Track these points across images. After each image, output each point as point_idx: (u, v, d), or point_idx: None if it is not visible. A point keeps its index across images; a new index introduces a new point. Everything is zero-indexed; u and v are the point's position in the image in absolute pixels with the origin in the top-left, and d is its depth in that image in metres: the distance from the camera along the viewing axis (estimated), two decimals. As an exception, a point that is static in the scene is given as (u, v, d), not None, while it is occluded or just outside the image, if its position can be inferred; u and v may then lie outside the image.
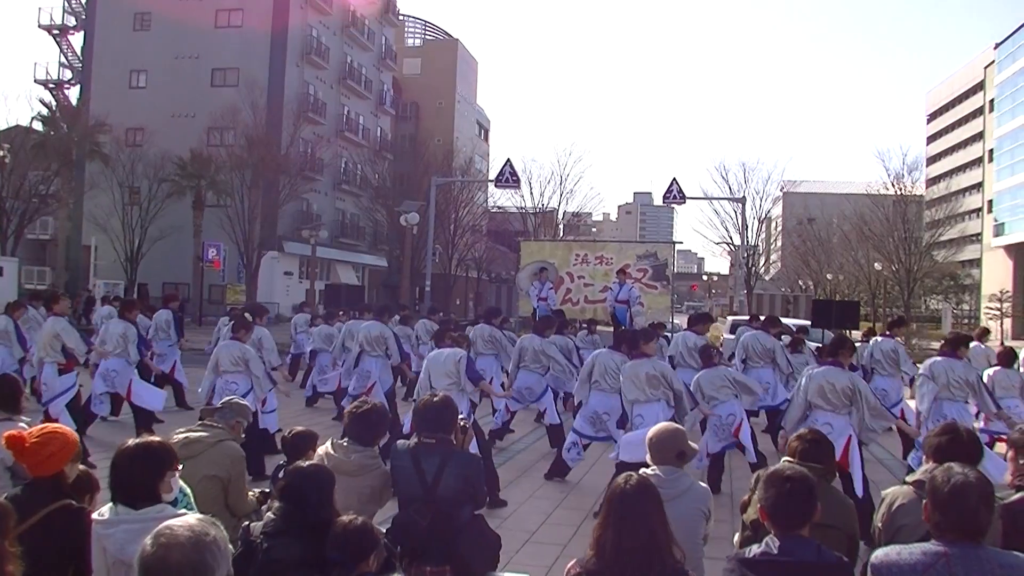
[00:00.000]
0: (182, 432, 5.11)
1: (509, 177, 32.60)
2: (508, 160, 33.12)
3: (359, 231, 57.11)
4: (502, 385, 12.59)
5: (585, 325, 18.45)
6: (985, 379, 10.60)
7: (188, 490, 4.03)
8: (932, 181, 78.53)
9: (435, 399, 5.12)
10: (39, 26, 53.86)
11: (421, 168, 52.89)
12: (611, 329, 17.58)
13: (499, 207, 62.38)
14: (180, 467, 3.65)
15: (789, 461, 4.16)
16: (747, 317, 19.58)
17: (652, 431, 4.67)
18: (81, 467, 3.87)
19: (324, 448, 4.98)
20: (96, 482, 3.92)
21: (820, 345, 13.76)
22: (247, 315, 11.25)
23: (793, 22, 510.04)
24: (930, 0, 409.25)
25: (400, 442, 5.11)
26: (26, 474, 3.79)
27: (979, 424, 9.96)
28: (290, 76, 48.64)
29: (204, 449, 5.05)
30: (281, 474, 5.00)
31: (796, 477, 3.38)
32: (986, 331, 15.62)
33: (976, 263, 73.69)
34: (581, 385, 10.15)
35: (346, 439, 4.99)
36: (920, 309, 66.73)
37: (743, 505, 4.39)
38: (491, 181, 39.23)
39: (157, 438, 3.71)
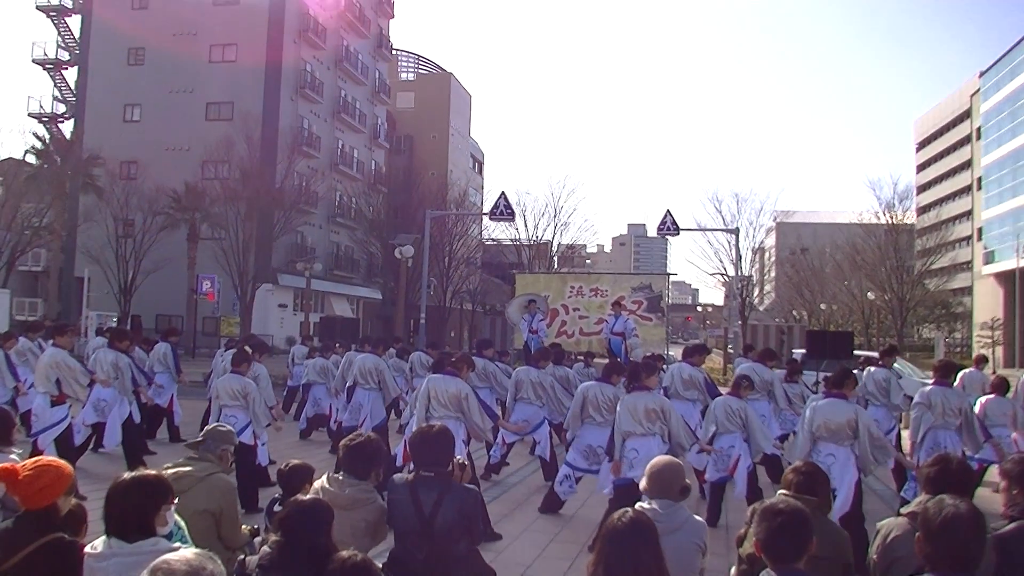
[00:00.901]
0: (170, 467, 5.06)
1: (503, 210, 32.67)
2: (502, 193, 33.27)
3: (353, 264, 57.12)
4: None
5: (582, 357, 18.42)
6: (978, 407, 10.64)
7: (183, 523, 4.01)
8: (923, 209, 78.81)
9: (433, 431, 5.10)
10: (33, 61, 54.26)
11: (415, 201, 53.04)
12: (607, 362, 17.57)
13: (493, 239, 62.45)
14: (176, 500, 3.65)
15: (784, 494, 4.16)
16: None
17: (653, 464, 4.63)
18: (73, 500, 3.85)
19: (320, 482, 4.95)
20: (86, 514, 3.90)
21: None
22: (247, 348, 11.18)
23: (783, 55, 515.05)
24: (916, 29, 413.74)
25: (398, 476, 5.09)
26: (17, 506, 3.77)
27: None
28: (284, 110, 48.90)
29: (194, 483, 5.01)
30: (277, 507, 4.98)
31: (789, 510, 3.38)
32: (983, 358, 15.66)
33: (967, 291, 73.84)
34: (573, 419, 10.08)
35: (341, 473, 4.97)
36: (913, 338, 66.85)
37: (739, 539, 4.38)
38: (485, 214, 39.27)
39: (153, 472, 3.70)
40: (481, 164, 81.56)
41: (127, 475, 3.57)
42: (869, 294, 55.39)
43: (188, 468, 5.11)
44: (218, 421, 9.72)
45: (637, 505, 4.19)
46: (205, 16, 48.91)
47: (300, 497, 4.20)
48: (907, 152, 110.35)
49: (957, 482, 4.03)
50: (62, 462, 3.81)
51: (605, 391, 9.93)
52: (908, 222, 59.93)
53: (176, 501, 3.65)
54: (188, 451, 5.45)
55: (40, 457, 3.94)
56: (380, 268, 56.68)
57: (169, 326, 20.90)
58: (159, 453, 12.59)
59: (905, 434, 12.80)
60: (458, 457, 5.17)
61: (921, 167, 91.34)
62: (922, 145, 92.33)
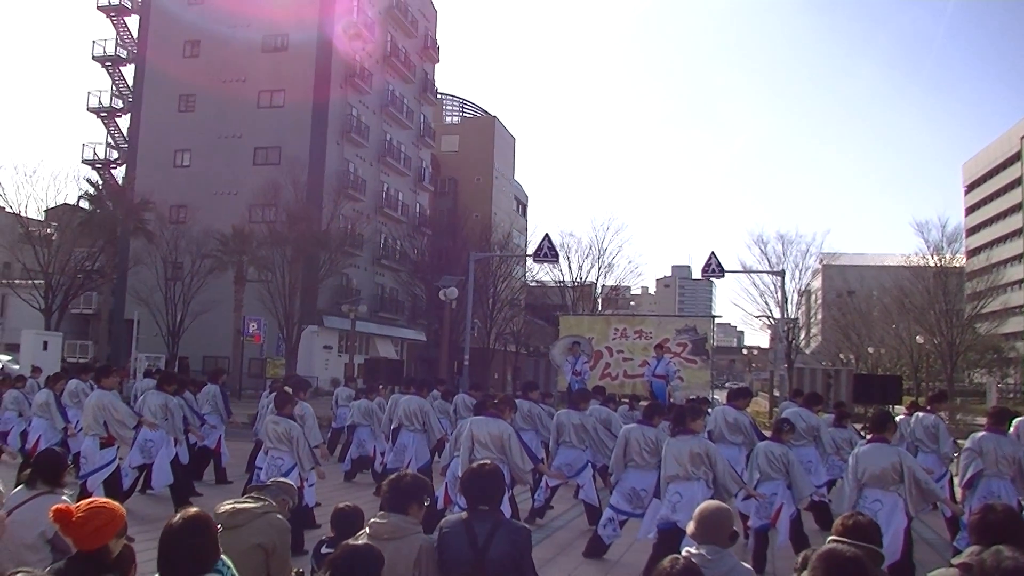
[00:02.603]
0: (229, 503, 5.14)
1: (547, 251, 32.82)
2: (546, 235, 33.51)
3: (398, 305, 57.43)
4: (542, 461, 12.50)
5: (626, 401, 18.29)
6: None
7: (229, 562, 4.03)
8: (972, 252, 77.74)
9: (485, 469, 5.08)
10: (88, 109, 55.53)
11: (460, 243, 53.24)
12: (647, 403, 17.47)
13: (537, 281, 62.50)
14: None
15: (835, 540, 4.10)
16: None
17: (703, 509, 4.58)
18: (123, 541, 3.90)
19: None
20: (135, 556, 3.93)
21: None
22: (287, 389, 11.18)
23: (829, 97, 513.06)
24: (963, 71, 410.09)
25: (452, 515, 5.09)
26: (67, 547, 3.82)
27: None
28: (330, 154, 49.54)
29: (251, 519, 5.06)
30: (325, 548, 5.00)
31: (845, 558, 3.33)
32: None
33: (1020, 335, 72.48)
34: (617, 463, 10.01)
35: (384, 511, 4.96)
36: (964, 383, 65.54)
37: (789, 585, 4.32)
38: (529, 255, 39.45)
39: (194, 508, 3.74)
40: (525, 206, 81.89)
41: (178, 516, 3.61)
42: (918, 338, 54.49)
43: (248, 504, 5.16)
44: (266, 464, 9.82)
45: (684, 550, 4.15)
46: (254, 62, 49.83)
47: (354, 541, 4.20)
48: (955, 194, 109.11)
49: (1001, 530, 3.95)
50: (115, 504, 3.85)
51: (647, 433, 9.86)
52: (957, 265, 58.99)
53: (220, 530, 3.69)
54: (244, 494, 5.51)
55: (93, 499, 3.99)
56: (424, 310, 56.91)
57: (216, 367, 21.16)
58: (205, 495, 12.67)
59: (957, 481, 12.51)
60: None
61: (970, 210, 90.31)
62: (971, 188, 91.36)
